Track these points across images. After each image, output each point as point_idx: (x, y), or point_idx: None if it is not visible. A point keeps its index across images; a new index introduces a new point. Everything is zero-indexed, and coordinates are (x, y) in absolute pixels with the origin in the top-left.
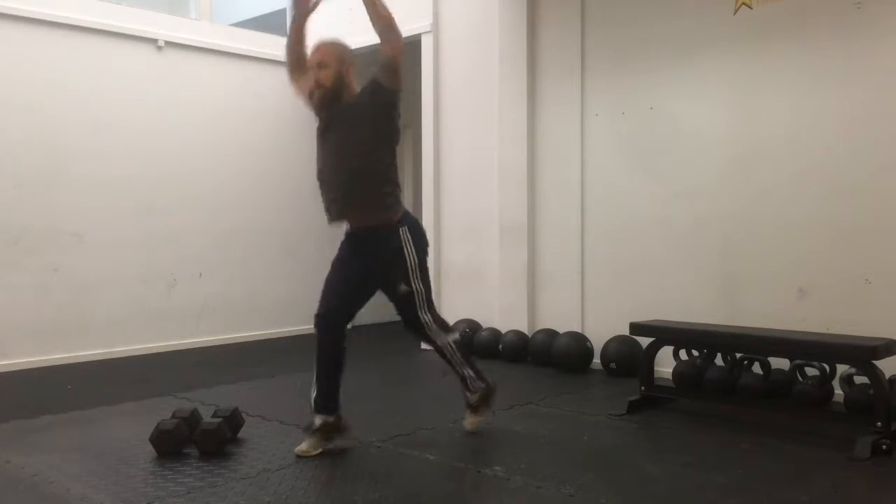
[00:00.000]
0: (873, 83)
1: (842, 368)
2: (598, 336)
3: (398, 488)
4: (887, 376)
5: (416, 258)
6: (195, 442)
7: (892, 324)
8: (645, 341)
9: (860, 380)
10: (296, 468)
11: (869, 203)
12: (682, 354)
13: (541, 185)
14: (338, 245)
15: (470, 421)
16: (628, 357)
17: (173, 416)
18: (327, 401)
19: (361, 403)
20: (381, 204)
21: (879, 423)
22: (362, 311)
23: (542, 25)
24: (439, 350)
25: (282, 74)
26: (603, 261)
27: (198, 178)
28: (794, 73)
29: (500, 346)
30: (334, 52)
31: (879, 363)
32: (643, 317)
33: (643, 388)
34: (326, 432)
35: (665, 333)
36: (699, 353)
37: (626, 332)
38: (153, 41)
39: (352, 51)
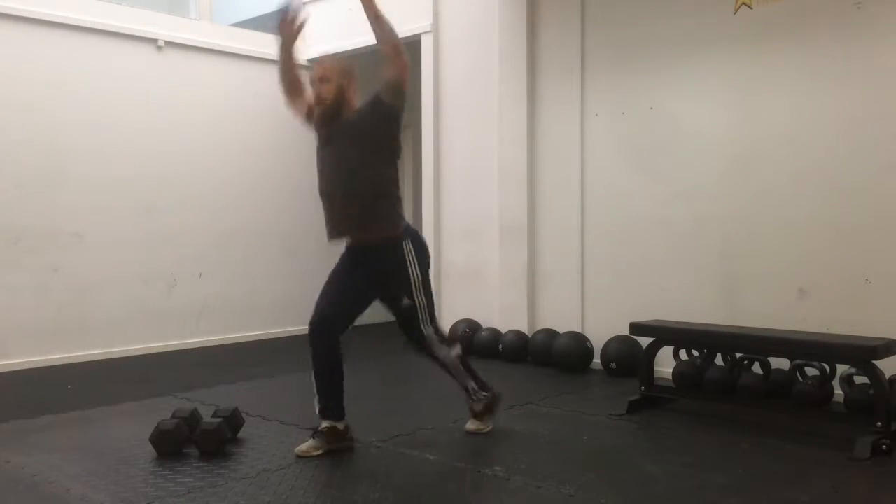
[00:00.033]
0: (873, 83)
1: (842, 368)
2: (598, 336)
3: (398, 488)
4: (887, 376)
5: (419, 272)
6: (195, 442)
7: (892, 324)
8: (645, 341)
9: (860, 380)
10: (296, 468)
11: (869, 203)
12: (682, 354)
13: (541, 185)
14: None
15: (471, 425)
16: (628, 357)
17: (173, 416)
18: (334, 408)
19: (361, 403)
20: (383, 219)
21: (879, 423)
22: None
23: (542, 25)
24: (441, 364)
25: None
26: (603, 261)
27: (198, 178)
28: (794, 73)
29: (500, 346)
30: (336, 66)
31: (879, 363)
32: (643, 317)
33: (643, 388)
34: (332, 437)
35: (665, 333)
36: (699, 353)
37: (626, 332)
38: (153, 41)
39: (353, 66)
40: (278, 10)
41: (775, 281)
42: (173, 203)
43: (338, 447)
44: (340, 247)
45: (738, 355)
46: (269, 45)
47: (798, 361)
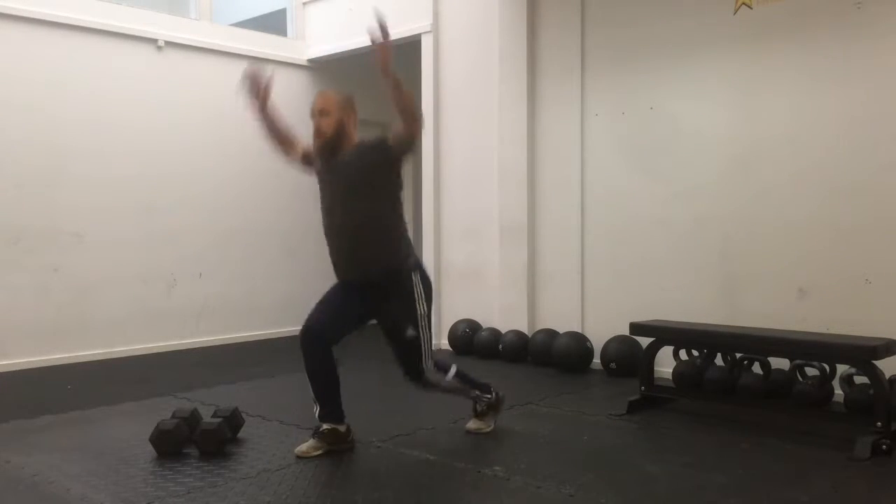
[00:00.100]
0: (873, 83)
1: (842, 368)
2: (598, 336)
3: (398, 488)
4: (887, 376)
5: (425, 306)
6: (195, 442)
7: (892, 324)
8: (645, 341)
9: (860, 380)
10: (296, 468)
11: (869, 203)
12: (682, 354)
13: (541, 185)
14: None
15: (472, 425)
16: (628, 357)
17: (173, 416)
18: (333, 411)
19: (361, 403)
20: (390, 256)
21: (879, 423)
22: None
23: (542, 25)
24: (443, 391)
25: (282, 74)
26: (603, 261)
27: (198, 178)
28: (794, 73)
29: (500, 346)
30: (337, 99)
31: (879, 363)
32: (643, 317)
33: (643, 388)
34: (333, 438)
35: (665, 333)
36: (699, 353)
37: (626, 332)
38: (153, 41)
39: (353, 100)
40: (243, 79)
41: (775, 281)
42: (173, 203)
43: (338, 448)
44: None
45: (738, 355)
46: (269, 45)
47: (798, 361)
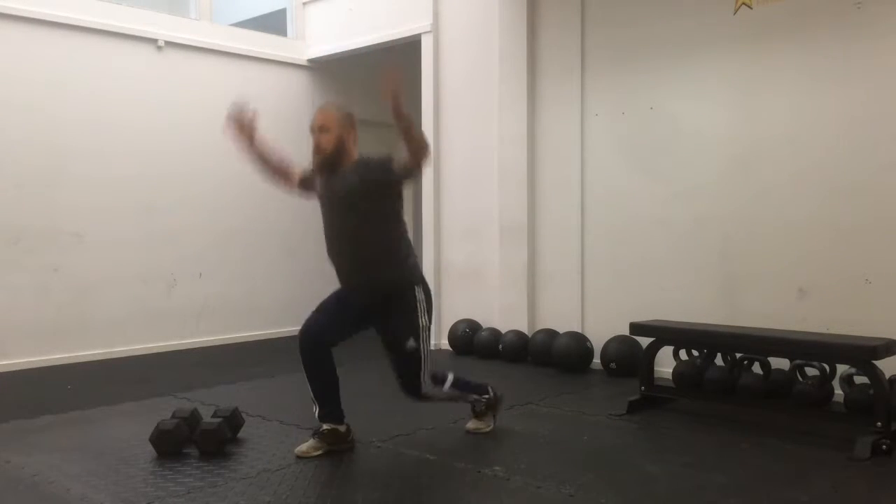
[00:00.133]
0: (873, 83)
1: (842, 368)
2: (598, 336)
3: (398, 488)
4: (887, 376)
5: (427, 321)
6: (195, 442)
7: (892, 324)
8: (645, 341)
9: (860, 380)
10: (296, 468)
11: (869, 203)
12: (682, 354)
13: (541, 185)
14: None
15: (472, 424)
16: (628, 357)
17: (173, 416)
18: (333, 412)
19: (361, 403)
20: (391, 273)
21: (879, 423)
22: None
23: (542, 25)
24: (441, 401)
25: (282, 74)
26: (603, 261)
27: (198, 178)
28: (794, 73)
29: (500, 346)
30: (337, 116)
31: (879, 363)
32: (643, 317)
33: (643, 388)
34: (333, 438)
35: (665, 333)
36: (699, 353)
37: (626, 332)
38: (153, 41)
39: (354, 116)
40: (227, 119)
41: (775, 281)
42: (173, 203)
43: (338, 448)
44: None
45: (738, 355)
46: (269, 45)
47: (798, 361)
